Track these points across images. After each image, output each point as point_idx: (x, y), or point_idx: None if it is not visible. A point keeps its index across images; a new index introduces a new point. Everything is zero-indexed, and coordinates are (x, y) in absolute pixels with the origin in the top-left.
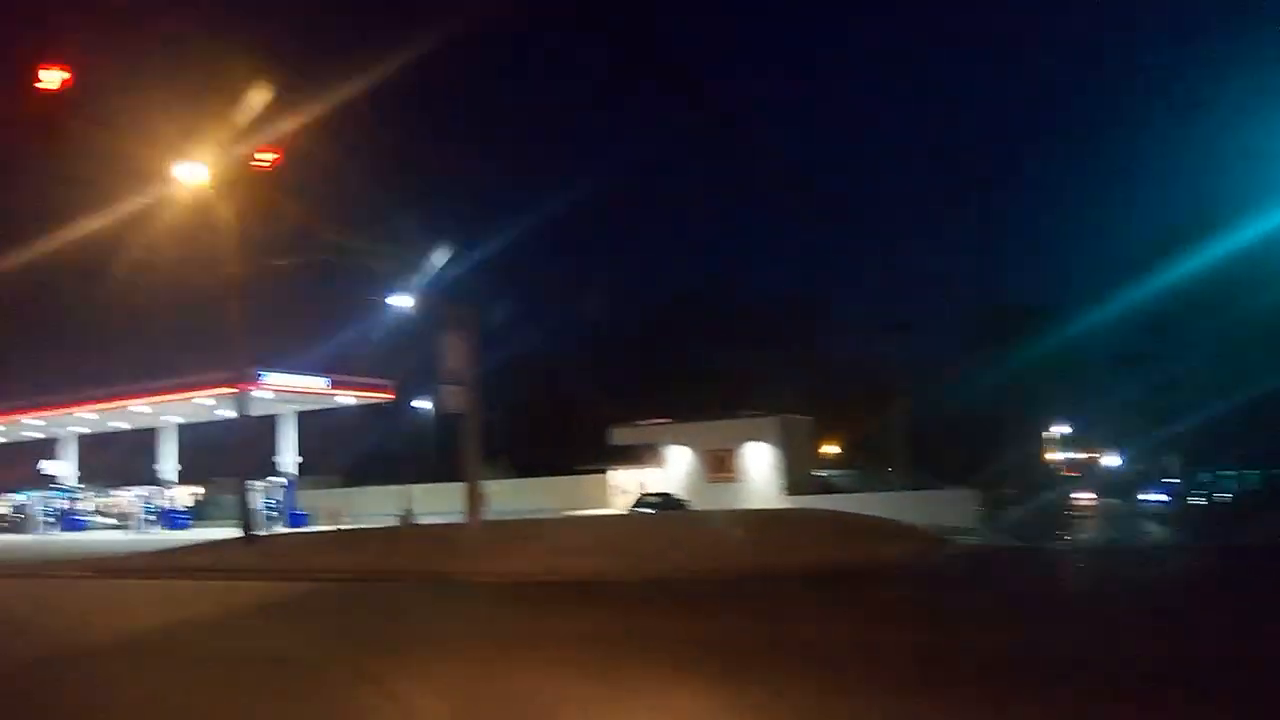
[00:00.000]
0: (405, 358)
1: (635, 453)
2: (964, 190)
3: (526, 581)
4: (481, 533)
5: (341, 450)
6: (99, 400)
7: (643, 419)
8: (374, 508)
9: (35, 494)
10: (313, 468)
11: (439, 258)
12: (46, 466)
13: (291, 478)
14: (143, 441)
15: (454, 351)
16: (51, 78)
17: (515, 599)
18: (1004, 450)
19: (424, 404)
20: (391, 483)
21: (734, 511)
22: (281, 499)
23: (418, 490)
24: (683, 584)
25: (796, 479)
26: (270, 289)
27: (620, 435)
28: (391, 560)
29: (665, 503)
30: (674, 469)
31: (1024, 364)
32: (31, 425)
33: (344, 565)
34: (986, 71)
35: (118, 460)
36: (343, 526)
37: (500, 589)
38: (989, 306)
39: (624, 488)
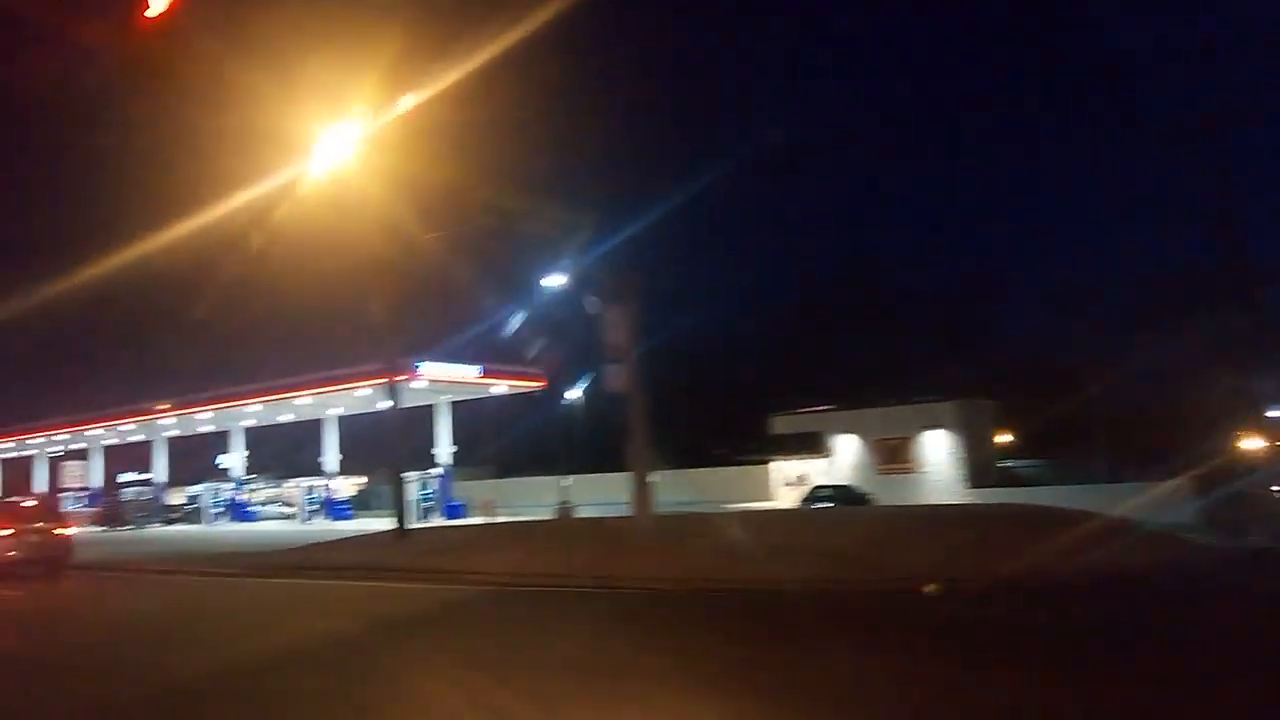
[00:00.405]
0: (557, 344)
1: (797, 442)
2: (1156, 154)
3: (712, 590)
4: (651, 529)
5: (492, 440)
6: (264, 394)
7: (804, 406)
8: (528, 498)
9: (207, 486)
10: (464, 458)
11: (590, 230)
12: (223, 460)
13: (447, 468)
14: (307, 433)
15: (616, 326)
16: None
17: (708, 613)
18: (1211, 436)
19: (574, 393)
20: (542, 473)
21: (932, 507)
22: (437, 490)
23: (571, 481)
24: (921, 601)
25: (979, 469)
26: (421, 272)
27: (781, 424)
28: (552, 561)
29: (845, 496)
30: (841, 459)
31: (1235, 337)
32: (203, 419)
33: (502, 566)
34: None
35: (285, 452)
36: (496, 519)
37: (686, 599)
38: (1188, 274)
39: (787, 479)
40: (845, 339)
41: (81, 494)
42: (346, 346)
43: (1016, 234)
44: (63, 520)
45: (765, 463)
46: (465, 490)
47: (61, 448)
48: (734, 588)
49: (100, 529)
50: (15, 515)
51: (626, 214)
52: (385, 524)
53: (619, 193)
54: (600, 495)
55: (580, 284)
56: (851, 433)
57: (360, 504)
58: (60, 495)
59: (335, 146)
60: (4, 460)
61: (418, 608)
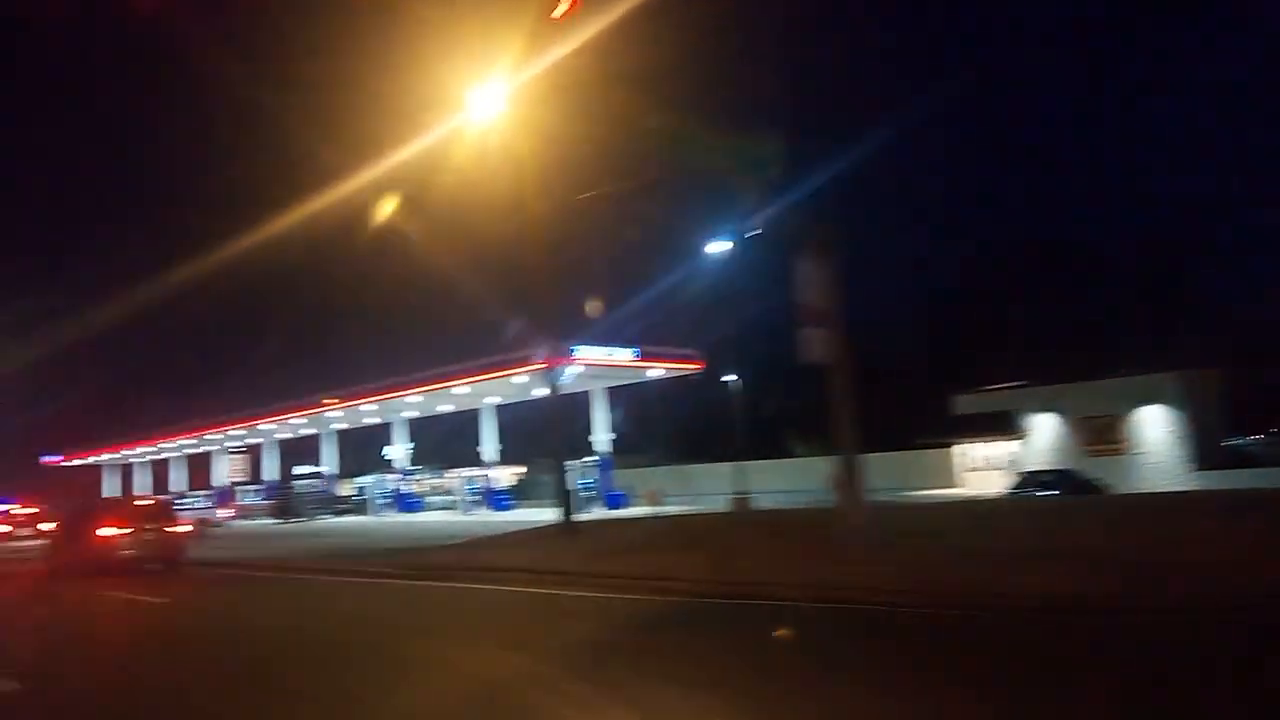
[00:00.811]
0: (714, 324)
1: (985, 423)
2: None
3: (976, 607)
4: (861, 525)
5: (647, 427)
6: (423, 384)
7: (992, 383)
8: (687, 487)
9: (373, 477)
10: (618, 445)
11: (773, 175)
12: (387, 451)
13: (605, 456)
14: (467, 423)
15: (813, 284)
16: None
17: (1013, 645)
18: None
19: (732, 377)
20: (700, 459)
21: (1183, 494)
22: (597, 479)
23: (734, 468)
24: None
25: (1206, 449)
26: (575, 246)
27: (966, 403)
28: (750, 565)
29: (1068, 482)
30: (1038, 440)
31: None
32: (367, 410)
33: (689, 571)
34: None
35: (446, 442)
36: (664, 510)
37: (957, 622)
38: None
39: (973, 463)
40: (1036, 308)
41: (257, 487)
42: (501, 333)
43: (1233, 184)
44: (177, 519)
45: (947, 446)
46: (625, 479)
47: (240, 442)
48: (1002, 605)
49: (275, 520)
50: (132, 514)
51: (803, 164)
52: (546, 514)
53: (795, 143)
54: (771, 483)
55: (763, 239)
56: (1050, 411)
57: (519, 494)
58: (235, 488)
59: (486, 106)
60: (189, 455)
61: (607, 627)
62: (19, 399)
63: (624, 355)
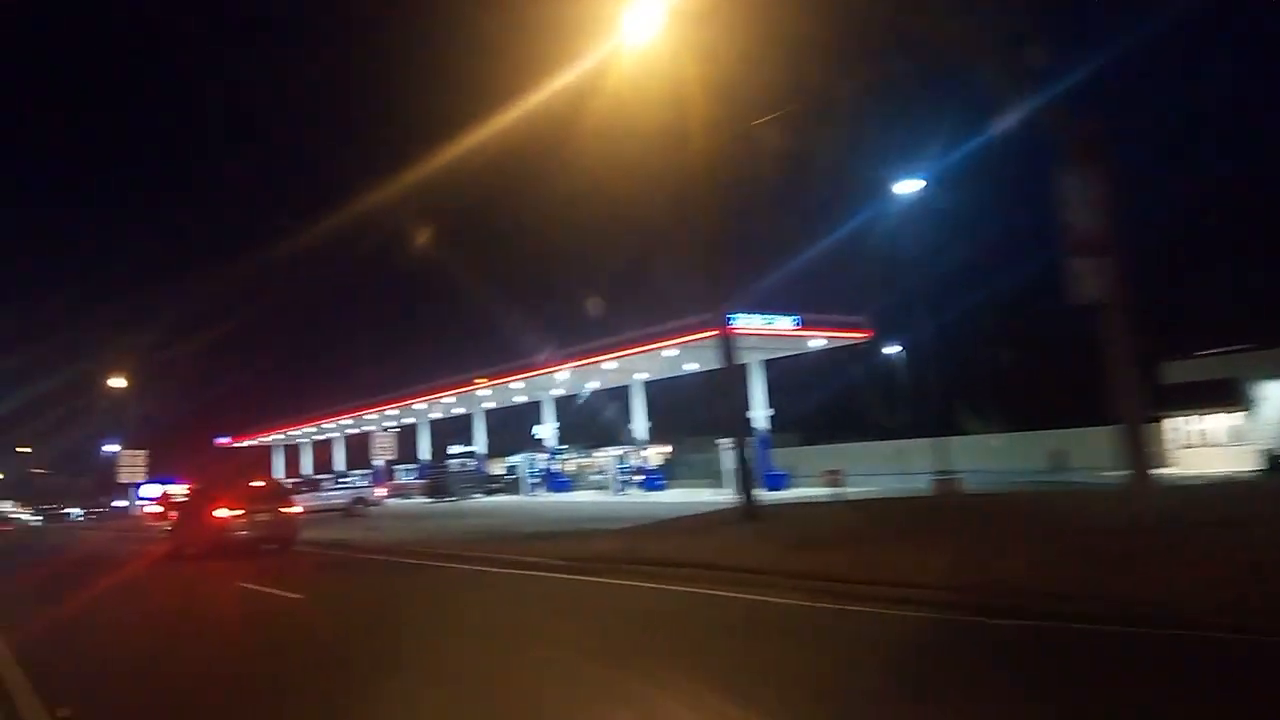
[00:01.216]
0: (885, 287)
1: (1197, 392)
2: None
3: None
4: (1146, 514)
5: (794, 402)
6: (572, 359)
7: (1208, 348)
8: (848, 467)
9: (523, 456)
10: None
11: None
12: (537, 430)
13: (763, 434)
14: (615, 401)
15: (1082, 203)
16: None
17: None
18: None
19: (894, 348)
20: (849, 437)
21: None
22: (756, 458)
23: (895, 447)
24: None
25: None
26: (741, 187)
27: (1177, 370)
28: (1008, 564)
29: None
30: (1267, 412)
31: None
32: (516, 388)
33: (926, 572)
34: None
35: (593, 421)
36: (842, 492)
37: None
38: None
39: (1187, 439)
40: (1258, 260)
41: (411, 466)
42: (653, 305)
43: None
44: (290, 500)
45: (1155, 420)
46: (784, 458)
47: (395, 422)
48: None
49: (428, 500)
50: (246, 496)
51: (1069, 43)
52: (702, 495)
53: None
54: (929, 464)
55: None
56: None
57: (666, 473)
58: (391, 467)
59: (644, 27)
60: (349, 435)
61: (858, 659)
62: (196, 382)
63: (785, 324)
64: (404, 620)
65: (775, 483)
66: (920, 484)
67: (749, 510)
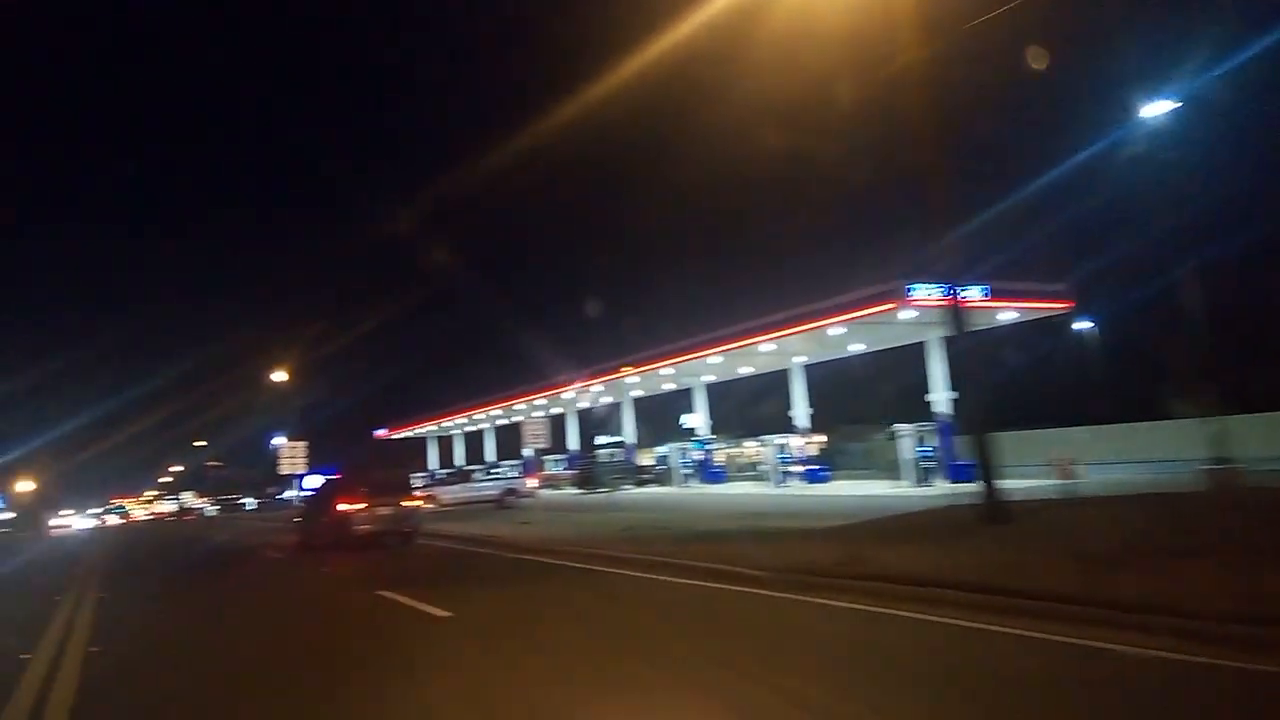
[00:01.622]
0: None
1: None
2: None
3: None
4: None
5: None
6: (724, 342)
7: None
8: (1037, 455)
9: (675, 446)
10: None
11: None
12: (685, 420)
13: (945, 420)
14: (766, 387)
15: None
16: None
17: None
18: None
19: (1085, 324)
20: (1032, 423)
21: None
22: (937, 447)
23: (1092, 432)
24: None
25: None
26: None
27: None
28: None
29: None
30: None
31: None
32: (665, 375)
33: None
34: None
35: (742, 409)
36: (1073, 484)
37: None
38: None
39: None
40: None
41: (559, 457)
42: (817, 276)
43: None
44: (412, 493)
45: None
46: (964, 446)
47: (544, 412)
48: None
49: (578, 491)
50: (369, 489)
51: None
52: (874, 488)
53: None
54: (1131, 452)
55: None
56: None
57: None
58: (540, 458)
59: None
60: (499, 426)
61: None
62: (358, 375)
63: (972, 294)
64: (586, 657)
65: (961, 474)
66: (1154, 474)
67: (992, 510)
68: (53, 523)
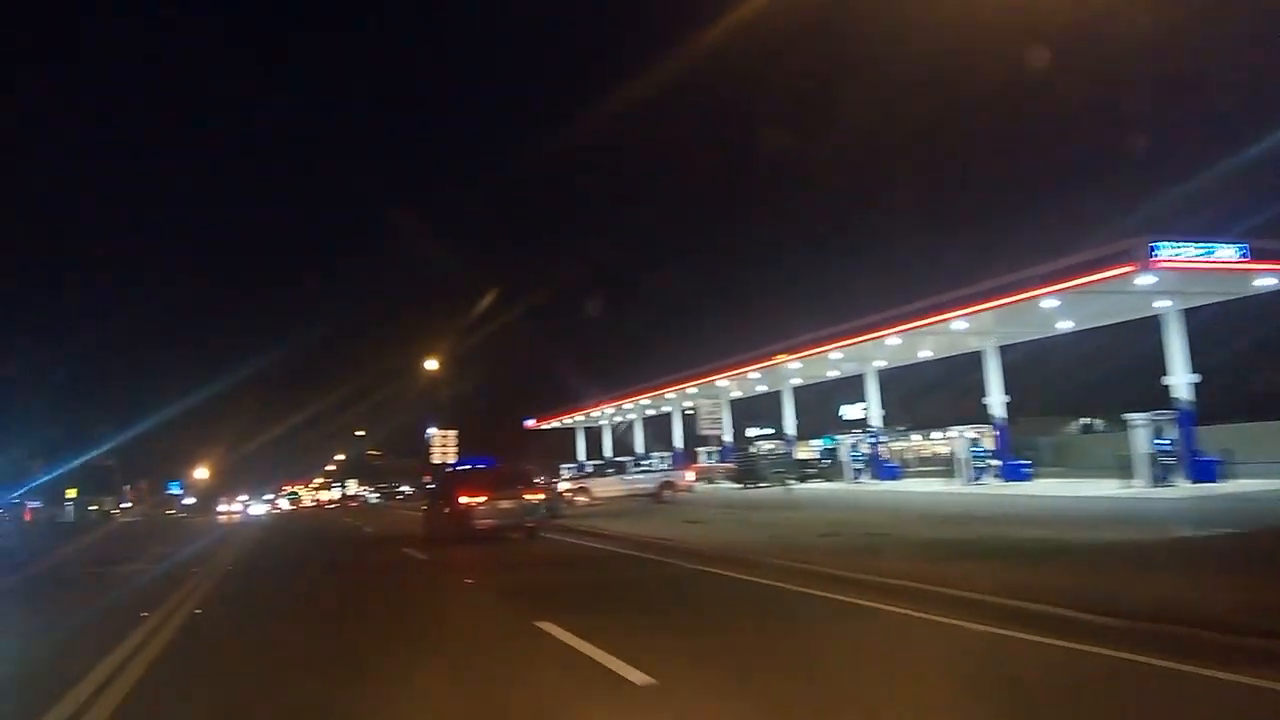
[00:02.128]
0: None
1: None
2: None
3: None
4: None
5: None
6: (909, 319)
7: None
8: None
9: (850, 438)
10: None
11: None
12: (847, 410)
13: (1186, 408)
14: (942, 375)
15: None
16: None
17: None
18: None
19: None
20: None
21: None
22: (1176, 439)
23: None
24: None
25: None
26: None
27: None
28: None
29: None
30: None
31: None
32: (833, 361)
33: None
34: None
35: (908, 399)
36: None
37: None
38: None
39: None
40: None
41: (712, 449)
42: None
43: None
44: (535, 486)
45: None
46: (1209, 439)
47: (693, 401)
48: None
49: (735, 486)
50: (489, 482)
51: None
52: (1093, 488)
53: None
54: None
55: None
56: None
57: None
58: (693, 451)
59: None
60: (649, 417)
61: None
62: (509, 364)
63: (1227, 255)
64: None
65: (1204, 472)
66: None
67: None
68: (220, 508)
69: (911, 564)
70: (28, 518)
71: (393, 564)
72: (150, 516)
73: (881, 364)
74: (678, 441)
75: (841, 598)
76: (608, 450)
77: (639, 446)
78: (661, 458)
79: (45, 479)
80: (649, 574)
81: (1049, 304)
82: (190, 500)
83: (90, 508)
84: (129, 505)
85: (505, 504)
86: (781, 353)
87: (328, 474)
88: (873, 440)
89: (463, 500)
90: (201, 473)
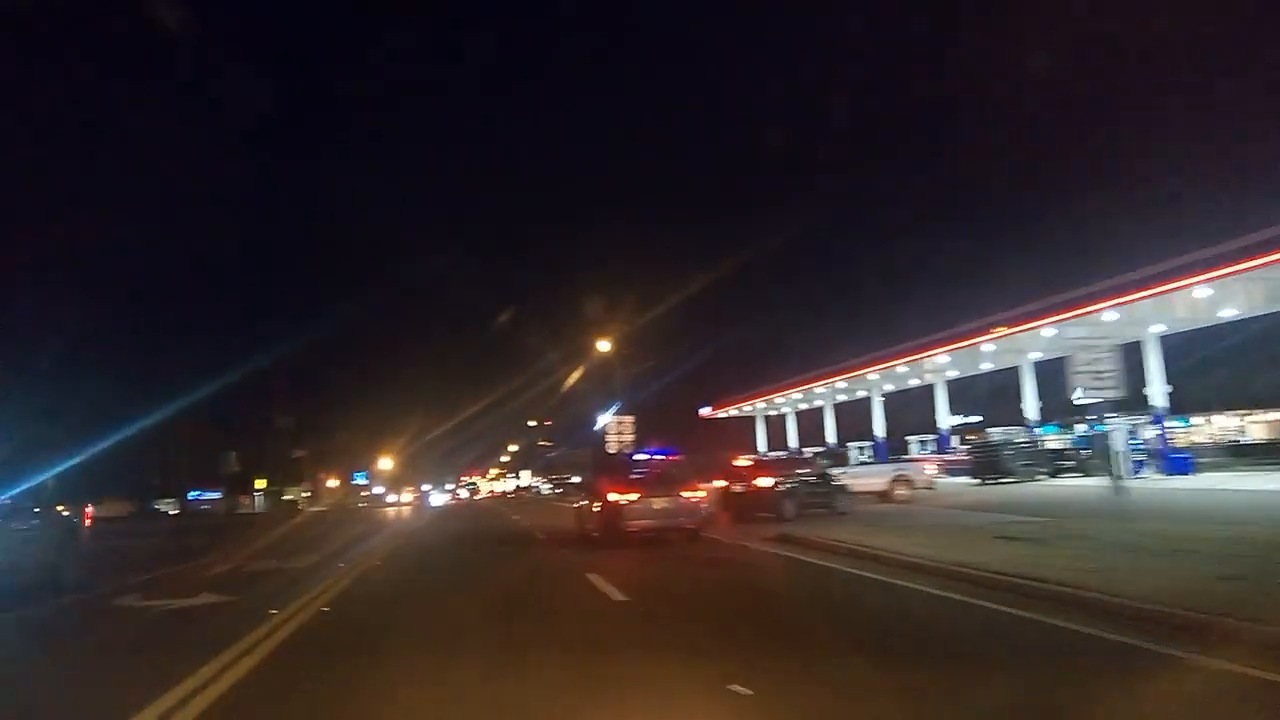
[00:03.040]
0: None
1: None
2: None
3: None
4: None
5: None
6: (1067, 308)
7: None
8: None
9: (1124, 423)
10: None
11: None
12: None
13: None
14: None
15: None
16: None
17: None
18: None
19: None
20: None
21: None
22: None
23: None
24: None
25: None
26: None
27: None
28: None
29: None
30: None
31: None
32: (1094, 328)
33: None
34: None
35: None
36: None
37: None
38: None
39: None
40: None
41: (927, 438)
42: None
43: None
44: (694, 484)
45: None
46: None
47: (845, 395)
48: None
49: (973, 481)
50: (642, 479)
51: None
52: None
53: None
54: None
55: None
56: None
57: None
58: (904, 440)
59: None
60: (840, 403)
61: None
62: (687, 351)
63: None
64: None
65: None
66: None
67: None
68: (389, 498)
69: None
70: (88, 522)
71: (568, 584)
72: (342, 505)
73: (1161, 329)
74: (878, 430)
75: None
76: (792, 440)
77: (829, 436)
78: (860, 448)
79: (238, 471)
80: (1036, 651)
81: (1201, 293)
82: (378, 490)
83: (284, 498)
84: (308, 495)
85: (660, 504)
86: (1037, 315)
87: (502, 465)
88: (1159, 425)
89: (612, 497)
90: (386, 463)
